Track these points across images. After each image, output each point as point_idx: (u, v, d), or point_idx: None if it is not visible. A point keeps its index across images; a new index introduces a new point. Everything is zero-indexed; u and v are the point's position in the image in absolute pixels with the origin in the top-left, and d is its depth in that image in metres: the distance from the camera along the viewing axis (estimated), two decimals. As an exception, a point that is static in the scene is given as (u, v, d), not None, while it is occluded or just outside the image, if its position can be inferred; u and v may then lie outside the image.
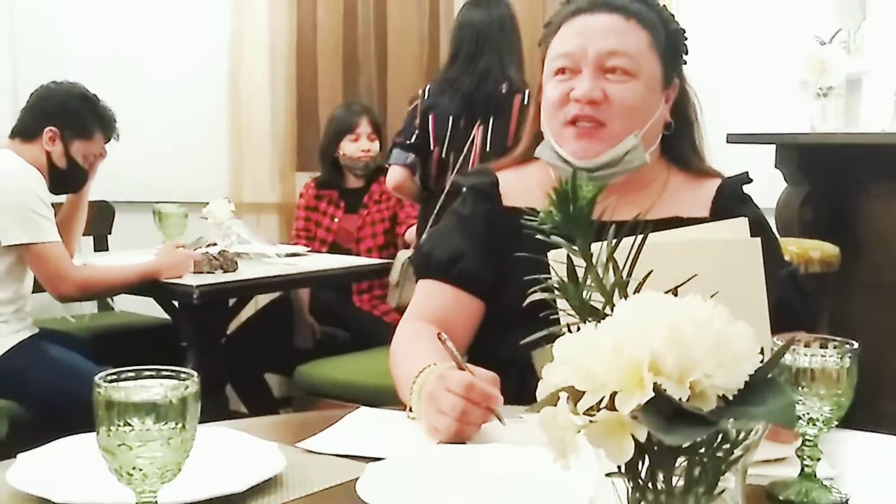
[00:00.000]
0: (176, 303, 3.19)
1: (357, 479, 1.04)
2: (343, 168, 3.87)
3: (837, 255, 3.16)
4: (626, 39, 1.51)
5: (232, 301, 3.36)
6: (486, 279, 1.59)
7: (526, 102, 3.29)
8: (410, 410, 1.35)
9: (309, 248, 3.58)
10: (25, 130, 2.91)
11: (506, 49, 3.37)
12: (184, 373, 0.88)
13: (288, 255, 3.39)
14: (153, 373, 0.88)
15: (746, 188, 1.64)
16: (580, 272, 0.74)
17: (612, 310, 0.71)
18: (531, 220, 0.78)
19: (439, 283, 1.61)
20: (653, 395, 0.61)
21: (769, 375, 0.64)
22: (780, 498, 1.05)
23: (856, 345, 1.05)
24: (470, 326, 1.59)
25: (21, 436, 2.59)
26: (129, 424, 0.84)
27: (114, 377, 0.87)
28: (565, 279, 0.74)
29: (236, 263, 3.09)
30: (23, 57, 4.04)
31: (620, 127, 1.49)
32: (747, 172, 1.64)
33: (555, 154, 1.53)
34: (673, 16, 1.60)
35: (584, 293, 0.73)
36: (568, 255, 0.74)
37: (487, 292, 1.60)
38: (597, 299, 0.74)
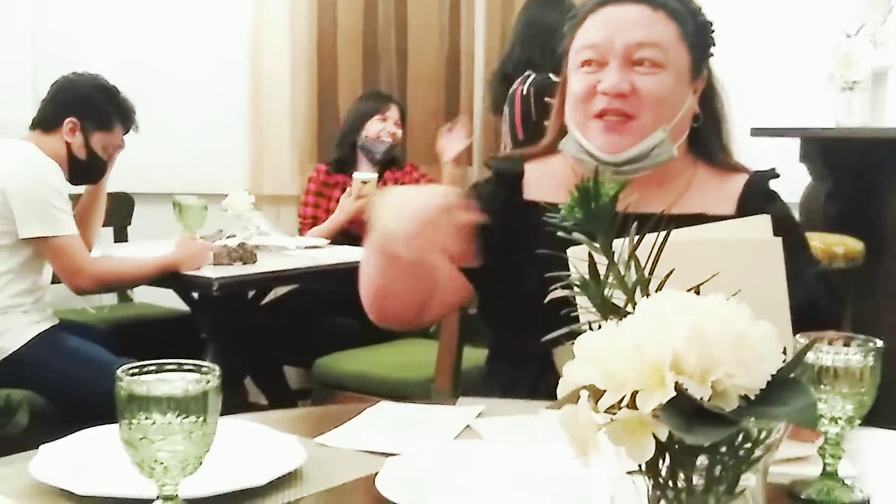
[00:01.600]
0: (195, 295, 3.19)
1: (376, 473, 1.04)
2: (359, 153, 3.82)
3: (862, 251, 3.15)
4: (655, 30, 1.49)
5: (251, 293, 3.37)
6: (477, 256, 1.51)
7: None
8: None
9: (329, 241, 3.56)
10: (46, 121, 2.92)
11: None
12: (205, 366, 0.89)
13: (307, 248, 3.40)
14: (175, 366, 0.89)
15: (774, 183, 1.62)
16: (602, 269, 0.75)
17: (633, 308, 0.71)
18: (552, 217, 0.78)
19: None
20: (674, 394, 0.61)
21: (791, 375, 0.64)
22: (802, 497, 1.05)
23: (880, 343, 1.05)
24: (450, 301, 1.62)
25: (41, 426, 2.60)
26: (151, 418, 0.85)
27: (135, 370, 0.88)
28: (586, 276, 0.74)
29: (255, 256, 3.09)
30: (44, 47, 4.06)
31: (649, 120, 1.48)
32: (774, 168, 1.63)
33: (580, 148, 1.51)
34: (700, 7, 1.59)
35: (606, 290, 0.74)
36: (589, 253, 0.74)
37: (476, 275, 1.56)
38: (618, 297, 0.74)
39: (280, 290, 3.72)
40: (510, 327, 1.49)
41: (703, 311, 0.64)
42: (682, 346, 0.62)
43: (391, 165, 3.87)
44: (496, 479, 1.07)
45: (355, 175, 3.65)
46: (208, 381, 0.87)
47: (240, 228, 3.23)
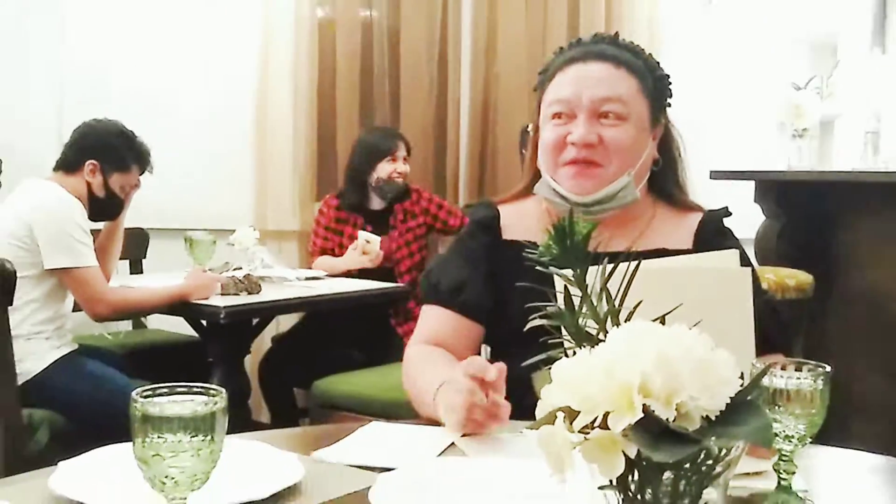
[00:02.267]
0: (204, 322, 3.17)
1: (369, 487, 1.04)
2: (370, 190, 3.76)
3: (811, 283, 3.16)
4: (618, 86, 1.52)
5: (255, 321, 3.35)
6: (485, 307, 1.60)
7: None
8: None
9: (326, 273, 3.54)
10: (68, 164, 2.92)
11: None
12: (213, 389, 0.88)
13: (307, 279, 3.40)
14: (185, 389, 0.89)
15: (727, 221, 1.64)
16: (576, 301, 0.75)
17: (605, 336, 0.72)
18: (531, 253, 0.78)
19: (444, 309, 1.61)
20: (642, 415, 0.61)
21: (748, 398, 0.64)
22: (763, 510, 1.05)
23: (828, 368, 1.05)
24: (471, 348, 1.60)
25: (60, 444, 2.58)
26: (163, 437, 0.84)
27: (149, 393, 0.87)
28: (562, 307, 0.75)
29: (260, 286, 3.09)
30: (68, 94, 4.06)
31: (614, 166, 1.51)
32: (727, 207, 1.65)
33: (552, 191, 1.54)
34: (658, 63, 1.61)
35: (580, 320, 0.74)
36: (565, 285, 0.74)
37: (486, 318, 1.61)
38: (592, 326, 0.74)
39: (286, 321, 3.73)
40: (506, 351, 1.49)
41: (669, 339, 0.64)
42: (649, 371, 0.62)
43: (401, 199, 3.82)
44: (480, 493, 1.06)
45: (361, 234, 3.62)
46: (216, 403, 0.87)
47: (245, 261, 3.24)
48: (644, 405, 0.61)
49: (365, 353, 3.54)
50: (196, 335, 3.42)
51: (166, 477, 0.85)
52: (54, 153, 3.03)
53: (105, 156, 2.92)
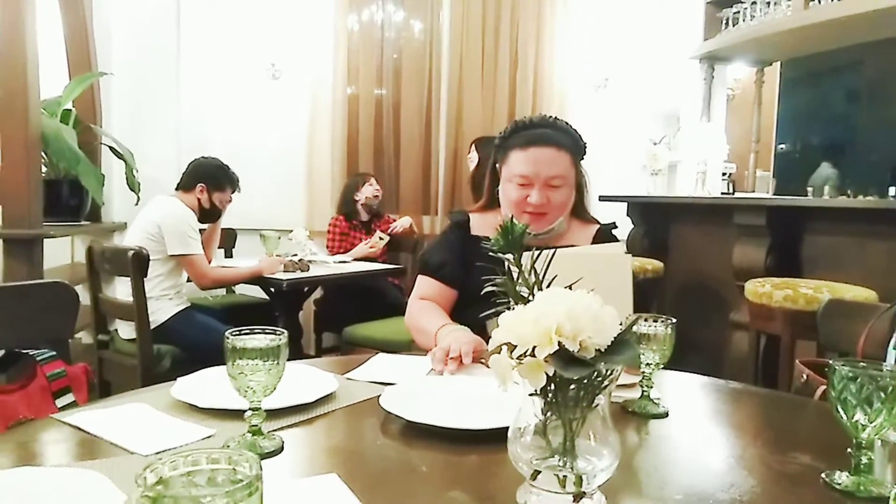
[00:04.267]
0: (272, 289, 3.15)
1: (379, 395, 1.03)
2: (359, 208, 3.71)
3: (662, 268, 3.19)
4: (561, 165, 1.49)
5: (305, 289, 3.33)
6: (457, 278, 1.59)
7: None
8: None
9: (353, 258, 3.52)
10: (185, 185, 2.89)
11: None
12: (278, 330, 0.87)
13: (339, 262, 3.38)
14: (260, 330, 0.87)
15: (614, 231, 1.64)
16: (515, 274, 0.75)
17: (532, 298, 0.71)
18: (488, 244, 0.78)
19: (432, 278, 1.61)
20: (557, 348, 0.61)
21: (625, 338, 0.64)
22: (629, 410, 1.05)
23: (674, 320, 1.06)
24: (448, 304, 1.59)
25: (178, 368, 2.55)
26: (245, 361, 0.84)
27: (236, 333, 0.86)
28: (507, 279, 0.74)
29: (309, 266, 3.07)
30: (183, 137, 4.02)
31: (555, 214, 1.51)
32: (615, 222, 1.65)
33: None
34: (579, 134, 1.57)
35: (517, 287, 0.73)
36: (508, 265, 0.74)
37: (459, 285, 1.59)
38: (524, 291, 0.74)
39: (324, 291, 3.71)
40: (468, 308, 1.48)
41: (574, 299, 0.64)
42: (562, 320, 0.61)
43: (376, 218, 3.79)
44: (453, 398, 1.06)
45: (377, 233, 3.61)
46: (280, 340, 0.86)
47: (299, 250, 3.21)
48: (559, 342, 0.61)
49: (373, 310, 3.53)
50: (266, 298, 3.40)
51: (248, 388, 0.84)
52: (174, 179, 2.99)
53: (210, 180, 2.88)
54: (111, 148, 3.63)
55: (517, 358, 0.63)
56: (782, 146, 5.16)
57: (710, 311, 3.22)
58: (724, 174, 4.09)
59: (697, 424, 1.05)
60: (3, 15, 2.78)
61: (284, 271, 2.97)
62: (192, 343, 2.61)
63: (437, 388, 1.10)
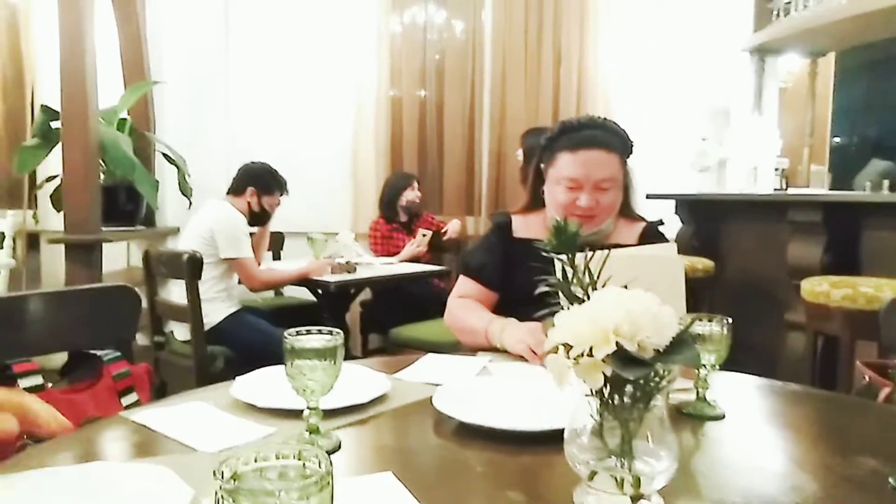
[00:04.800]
0: (319, 290, 3.19)
1: (431, 396, 1.04)
2: (400, 210, 3.74)
3: (713, 267, 3.12)
4: (611, 167, 1.48)
5: (352, 290, 3.37)
6: (497, 281, 1.59)
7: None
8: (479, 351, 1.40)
9: (398, 260, 3.55)
10: (236, 189, 2.96)
11: None
12: (334, 331, 0.89)
13: (384, 264, 3.41)
14: (317, 331, 0.89)
15: (661, 228, 1.62)
16: (569, 275, 0.75)
17: (588, 298, 0.71)
18: (540, 244, 0.78)
19: (472, 280, 1.61)
20: (615, 348, 0.61)
21: (683, 337, 0.64)
22: (684, 412, 1.04)
23: (730, 320, 1.04)
24: (490, 306, 1.59)
25: (230, 368, 2.62)
26: (304, 361, 0.85)
27: (294, 333, 0.88)
28: (560, 279, 0.74)
29: (355, 268, 3.11)
30: (232, 144, 4.13)
31: (604, 216, 1.50)
32: (661, 219, 1.63)
33: None
34: (626, 133, 1.55)
35: (572, 287, 0.74)
36: (562, 265, 0.74)
37: (499, 288, 1.60)
38: (579, 291, 0.74)
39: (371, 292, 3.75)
40: (512, 309, 1.49)
41: (632, 299, 0.64)
42: (620, 319, 0.61)
43: (416, 218, 3.81)
44: (506, 398, 1.06)
45: (420, 231, 3.65)
46: (336, 340, 0.88)
47: (346, 252, 3.25)
48: (617, 342, 0.61)
49: (419, 311, 3.54)
50: (314, 299, 3.44)
51: (306, 387, 0.86)
52: (223, 183, 3.07)
53: (259, 184, 2.94)
54: (164, 154, 3.75)
55: (574, 358, 0.63)
56: (837, 139, 4.99)
57: (764, 310, 3.14)
58: (776, 169, 3.98)
59: (755, 427, 1.03)
60: (63, 28, 2.91)
61: (332, 273, 3.01)
62: (243, 344, 2.67)
63: (489, 389, 1.10)
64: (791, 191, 3.87)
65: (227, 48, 4.15)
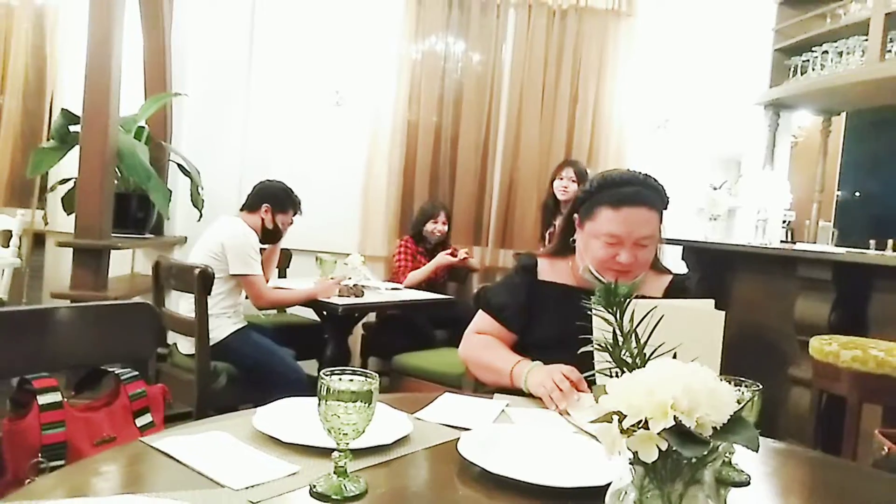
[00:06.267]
0: (325, 312, 3.18)
1: (456, 440, 1.02)
2: (424, 235, 3.81)
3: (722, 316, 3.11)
4: (651, 225, 1.46)
5: (357, 314, 3.35)
6: (517, 323, 1.57)
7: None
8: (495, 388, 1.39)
9: (404, 286, 3.55)
10: (250, 206, 2.95)
11: None
12: (369, 374, 0.87)
13: (391, 289, 3.40)
14: (350, 371, 0.88)
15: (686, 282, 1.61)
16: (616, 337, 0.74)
17: (640, 363, 0.70)
18: (587, 302, 0.77)
19: (492, 318, 1.60)
20: (674, 423, 0.60)
21: (742, 415, 0.63)
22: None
23: (759, 385, 1.03)
24: (507, 345, 1.57)
25: (233, 384, 2.60)
26: (339, 403, 0.84)
27: (329, 373, 0.86)
28: (609, 342, 0.74)
29: (363, 292, 3.10)
30: (246, 162, 4.14)
31: (639, 272, 1.46)
32: (689, 272, 1.63)
33: (595, 278, 1.48)
34: (663, 187, 1.54)
35: (620, 352, 0.73)
36: (613, 329, 0.73)
37: (518, 330, 1.58)
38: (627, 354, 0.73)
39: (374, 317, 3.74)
40: (530, 353, 1.47)
41: (690, 373, 0.63)
42: (678, 395, 0.61)
43: (441, 247, 3.84)
44: (532, 449, 1.04)
45: (461, 251, 3.73)
46: (372, 383, 0.87)
47: (354, 275, 3.24)
48: (675, 416, 0.60)
49: (420, 340, 3.53)
50: (318, 319, 3.42)
51: (338, 430, 0.85)
52: (235, 198, 3.07)
53: (274, 202, 2.94)
54: (179, 165, 3.75)
55: (627, 429, 0.62)
56: (841, 194, 5.03)
57: (768, 363, 3.12)
58: (784, 222, 4.00)
59: (780, 495, 1.02)
60: (92, 35, 2.93)
61: (340, 296, 3.00)
62: (247, 361, 2.65)
63: (515, 438, 1.09)
64: (799, 245, 3.88)
65: (250, 65, 4.19)
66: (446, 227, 3.85)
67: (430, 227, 3.79)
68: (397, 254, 3.78)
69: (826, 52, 3.46)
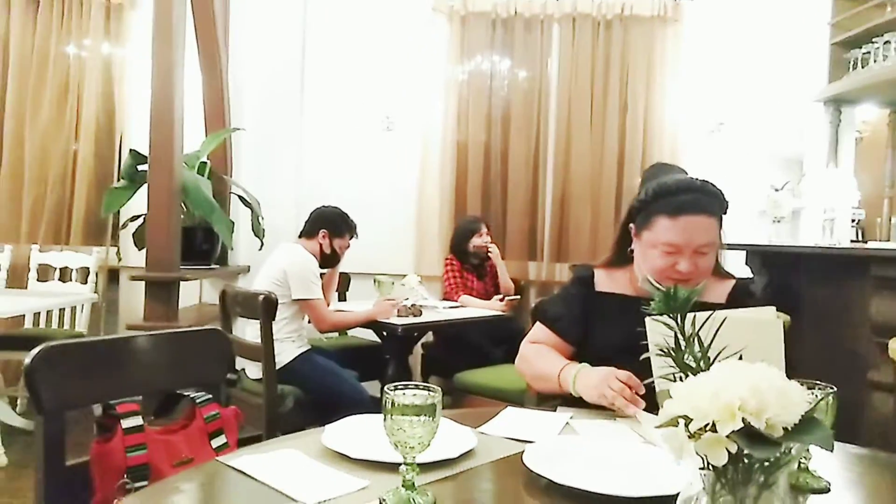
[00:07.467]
0: (385, 332, 3.21)
1: (521, 453, 1.03)
2: (468, 253, 3.79)
3: (789, 321, 3.01)
4: (710, 232, 1.42)
5: (416, 333, 3.37)
6: (573, 334, 1.56)
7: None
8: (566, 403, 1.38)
9: (460, 305, 3.56)
10: (308, 232, 3.03)
11: None
12: (432, 388, 0.89)
13: (449, 308, 3.42)
14: (414, 385, 0.89)
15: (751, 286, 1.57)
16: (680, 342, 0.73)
17: (704, 367, 0.69)
18: (646, 307, 0.77)
19: (548, 329, 1.60)
20: (742, 425, 0.59)
21: (814, 415, 0.61)
22: (790, 483, 0.99)
23: (834, 388, 0.99)
24: (565, 357, 1.56)
25: (299, 407, 2.65)
26: (405, 417, 0.85)
27: (394, 388, 0.88)
28: (671, 347, 0.73)
29: (421, 311, 3.12)
30: (302, 190, 4.26)
31: (700, 280, 1.41)
32: (753, 277, 1.58)
33: (654, 289, 1.45)
34: (722, 192, 1.49)
35: (683, 356, 0.72)
36: (675, 333, 0.73)
37: (574, 341, 1.56)
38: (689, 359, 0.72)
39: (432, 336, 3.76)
40: (591, 363, 1.46)
41: (758, 373, 0.62)
42: (746, 396, 0.60)
43: (486, 262, 3.84)
44: (597, 459, 1.03)
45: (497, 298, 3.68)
46: (436, 397, 0.88)
47: (412, 295, 3.27)
48: (743, 418, 0.59)
49: (479, 358, 3.52)
50: (378, 340, 3.45)
51: (405, 444, 0.86)
52: (293, 225, 3.15)
53: (331, 228, 3.01)
54: (240, 197, 3.89)
55: (694, 433, 0.62)
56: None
57: (845, 368, 2.98)
58: (853, 221, 3.84)
59: (864, 503, 0.98)
60: (156, 81, 3.09)
61: (398, 316, 3.03)
62: (313, 384, 2.70)
63: (581, 449, 1.08)
64: (871, 244, 3.72)
65: (302, 97, 4.32)
66: (489, 239, 3.82)
67: (476, 241, 3.76)
68: (445, 273, 3.79)
69: (888, 41, 3.33)
